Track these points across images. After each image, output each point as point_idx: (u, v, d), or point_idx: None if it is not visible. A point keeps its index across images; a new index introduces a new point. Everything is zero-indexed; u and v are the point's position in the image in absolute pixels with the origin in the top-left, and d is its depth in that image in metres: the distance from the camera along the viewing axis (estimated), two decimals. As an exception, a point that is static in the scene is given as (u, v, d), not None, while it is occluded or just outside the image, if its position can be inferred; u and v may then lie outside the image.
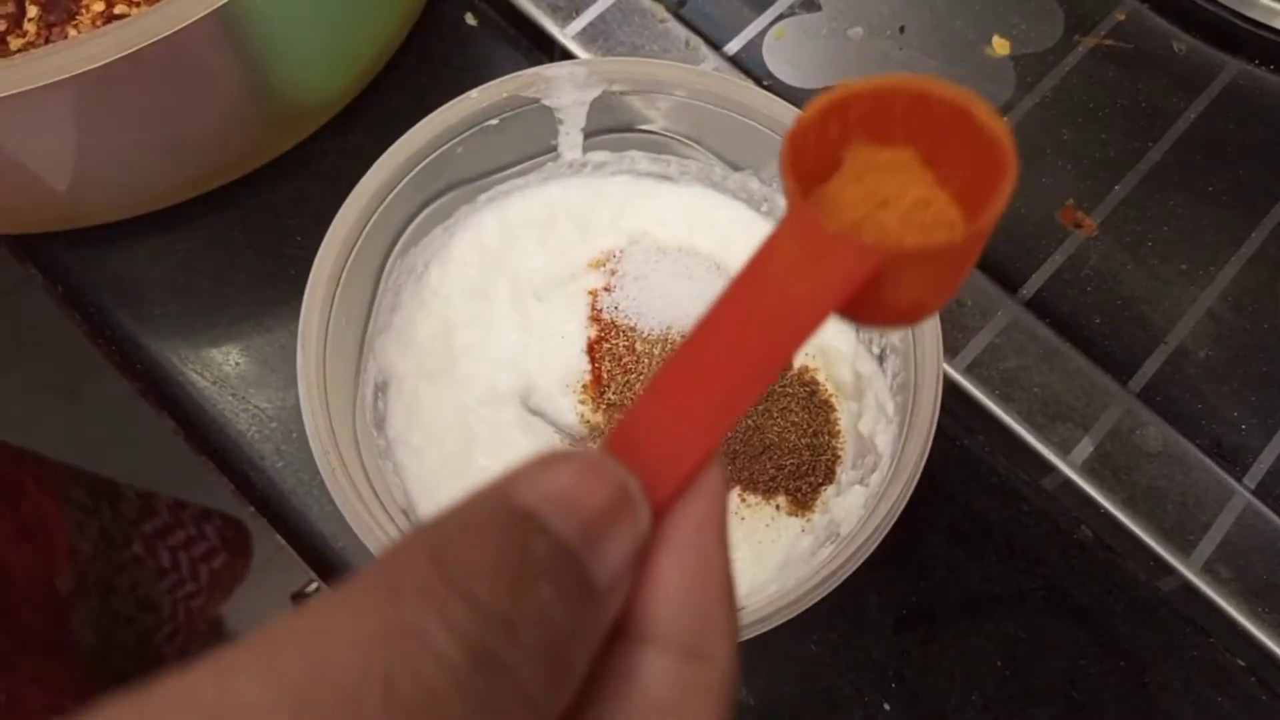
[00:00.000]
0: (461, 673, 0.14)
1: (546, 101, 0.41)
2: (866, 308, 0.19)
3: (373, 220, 0.39)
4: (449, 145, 0.40)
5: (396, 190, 0.39)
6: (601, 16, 0.50)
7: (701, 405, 0.18)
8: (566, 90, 0.41)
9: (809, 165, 0.19)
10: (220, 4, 0.39)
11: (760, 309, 0.18)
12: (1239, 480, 0.43)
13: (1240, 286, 0.48)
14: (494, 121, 0.41)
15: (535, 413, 0.42)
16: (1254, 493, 0.43)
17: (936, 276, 0.19)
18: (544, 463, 0.17)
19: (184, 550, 0.72)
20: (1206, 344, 0.46)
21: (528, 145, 0.43)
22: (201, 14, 0.38)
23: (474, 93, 0.40)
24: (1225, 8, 0.53)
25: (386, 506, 0.37)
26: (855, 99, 0.19)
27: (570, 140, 0.44)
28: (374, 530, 0.34)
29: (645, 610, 0.17)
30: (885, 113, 0.19)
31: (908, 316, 0.20)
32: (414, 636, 0.14)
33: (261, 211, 0.48)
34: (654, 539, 0.18)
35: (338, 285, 0.38)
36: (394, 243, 0.41)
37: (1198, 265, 0.48)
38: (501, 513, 0.16)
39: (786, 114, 0.41)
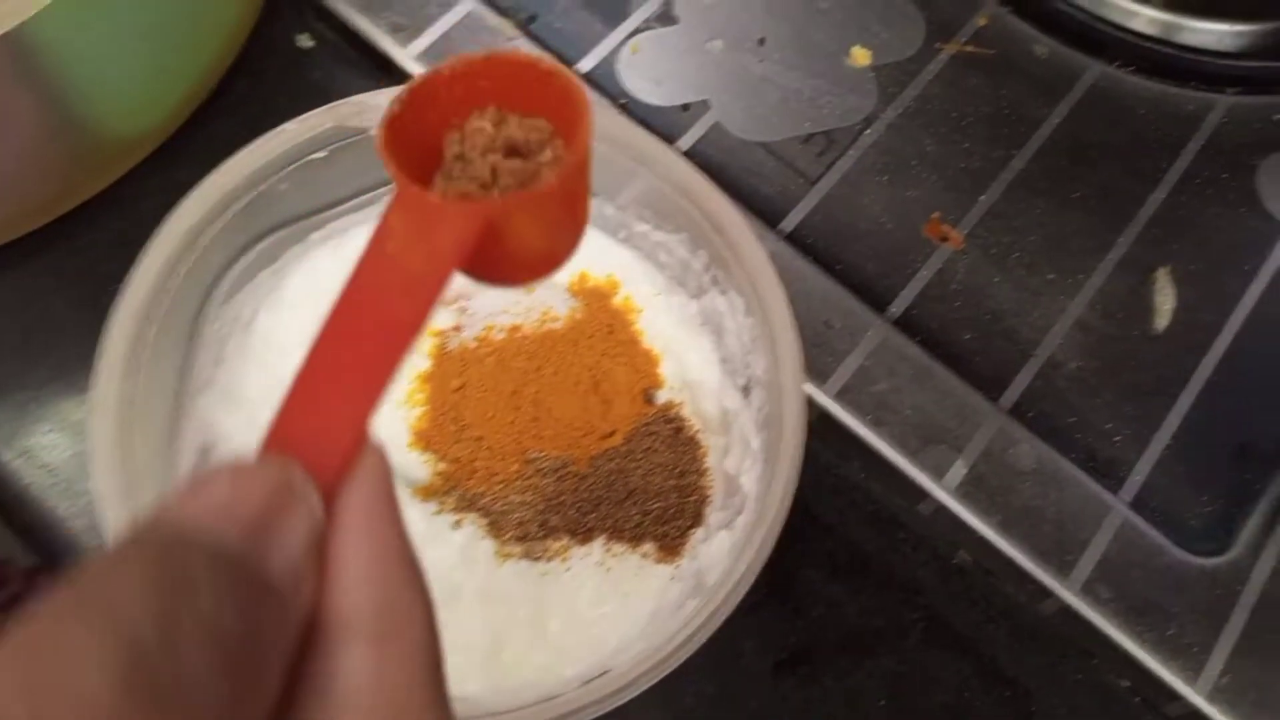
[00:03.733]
0: (117, 702, 0.13)
1: (376, 131, 0.38)
2: (499, 267, 0.21)
3: (182, 269, 0.35)
4: (270, 183, 0.37)
5: (208, 234, 0.36)
6: (446, 35, 0.47)
7: (346, 386, 0.19)
8: (396, 119, 0.38)
9: (414, 150, 0.21)
10: (6, 30, 0.35)
11: (385, 287, 0.19)
12: (1115, 494, 0.42)
13: (1108, 294, 0.47)
14: (321, 154, 0.38)
15: (383, 466, 0.39)
16: (1131, 506, 0.42)
17: (551, 221, 0.21)
18: (198, 480, 0.17)
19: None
20: (1076, 354, 0.46)
21: (363, 178, 0.40)
22: (-19, 44, 0.34)
23: (290, 125, 0.36)
24: (1084, 10, 0.53)
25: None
26: (439, 81, 0.21)
27: (409, 171, 0.41)
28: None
29: (331, 601, 0.17)
30: (475, 91, 0.22)
31: (541, 268, 0.22)
32: (62, 674, 0.13)
33: (76, 258, 0.44)
34: (330, 525, 0.18)
35: (142, 344, 0.34)
36: (211, 291, 0.37)
37: (1065, 274, 0.47)
38: (151, 537, 0.16)
39: (637, 138, 0.39)
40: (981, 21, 0.53)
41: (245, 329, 0.39)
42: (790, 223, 0.46)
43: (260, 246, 0.39)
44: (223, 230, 0.36)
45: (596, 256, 0.43)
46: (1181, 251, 0.48)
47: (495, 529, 0.38)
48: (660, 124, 0.48)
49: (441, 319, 0.41)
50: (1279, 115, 0.52)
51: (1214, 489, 0.44)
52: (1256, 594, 0.41)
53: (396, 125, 0.21)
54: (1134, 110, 0.52)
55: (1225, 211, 0.50)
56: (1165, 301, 0.47)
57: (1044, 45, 0.53)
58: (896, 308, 0.45)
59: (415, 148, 0.21)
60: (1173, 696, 0.40)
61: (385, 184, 0.41)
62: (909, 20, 0.52)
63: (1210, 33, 0.54)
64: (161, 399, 0.36)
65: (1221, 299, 0.48)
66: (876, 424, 0.42)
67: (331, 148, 0.38)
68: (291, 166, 0.37)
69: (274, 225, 0.39)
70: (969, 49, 0.52)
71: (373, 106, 0.37)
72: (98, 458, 0.32)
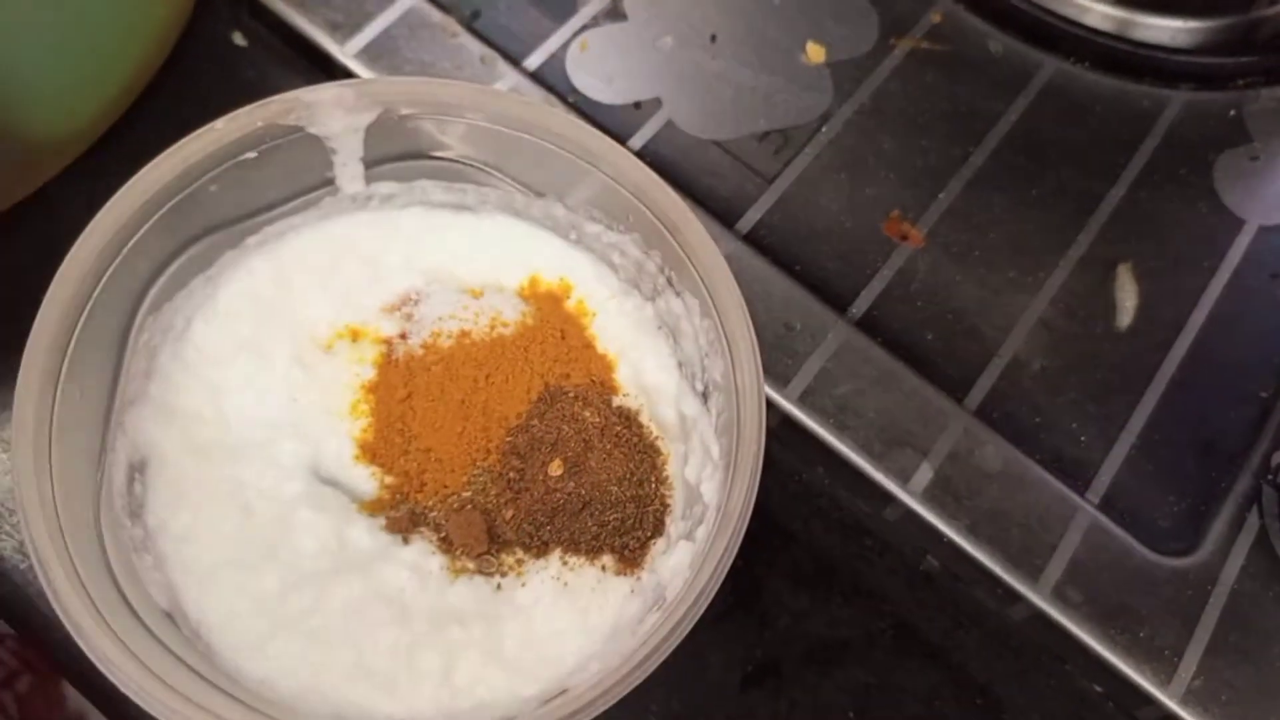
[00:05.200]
0: None
1: (312, 129, 0.36)
2: None
3: (107, 276, 0.33)
4: (198, 184, 0.35)
5: (134, 240, 0.34)
6: (386, 32, 0.46)
7: None
8: (334, 116, 0.36)
9: None
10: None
11: None
12: (1082, 495, 0.42)
13: (1070, 291, 0.47)
14: (251, 155, 0.36)
15: (327, 482, 0.37)
16: (1098, 507, 0.41)
17: None
18: None
19: None
20: (1040, 354, 0.45)
21: (298, 179, 0.38)
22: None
23: (219, 123, 0.34)
24: (1037, 5, 0.52)
25: (141, 613, 0.32)
26: None
27: (349, 172, 0.39)
28: (111, 654, 0.28)
29: None
30: None
31: None
32: None
33: (-4, 268, 0.42)
34: None
35: (64, 356, 0.32)
36: (140, 299, 0.35)
37: (1026, 272, 0.47)
38: None
39: (588, 136, 0.37)
40: (936, 18, 0.52)
41: (177, 339, 0.37)
42: (747, 222, 0.45)
43: (191, 251, 0.37)
44: (149, 235, 0.34)
45: (548, 259, 0.41)
46: (1142, 248, 0.48)
47: (447, 544, 0.36)
48: (611, 122, 0.46)
49: (386, 326, 0.40)
50: (1234, 111, 0.52)
51: (1181, 487, 0.43)
52: (1226, 593, 0.40)
53: None
54: (1090, 106, 0.52)
55: (1184, 207, 0.49)
56: (1127, 298, 0.47)
57: (998, 41, 0.53)
58: (858, 308, 0.44)
59: None
60: (1146, 700, 0.39)
61: (322, 186, 0.39)
62: (862, 16, 0.51)
63: (1164, 29, 0.53)
64: (90, 413, 0.34)
65: (1183, 295, 0.47)
66: (840, 428, 0.41)
67: (263, 147, 0.36)
68: (221, 167, 0.35)
69: (205, 229, 0.37)
70: (924, 45, 0.51)
71: (307, 104, 0.36)
72: (21, 475, 0.30)
